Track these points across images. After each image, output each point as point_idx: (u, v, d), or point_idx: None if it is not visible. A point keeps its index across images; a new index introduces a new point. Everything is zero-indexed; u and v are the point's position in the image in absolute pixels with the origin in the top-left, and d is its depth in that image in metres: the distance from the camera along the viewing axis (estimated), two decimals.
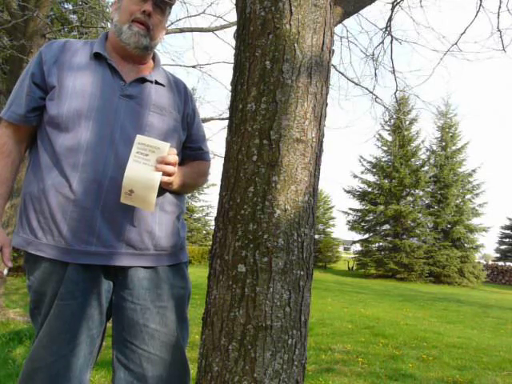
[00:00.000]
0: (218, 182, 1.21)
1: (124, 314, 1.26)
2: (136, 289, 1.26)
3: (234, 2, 1.30)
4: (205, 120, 5.86)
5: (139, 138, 1.19)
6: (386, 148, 23.05)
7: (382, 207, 22.26)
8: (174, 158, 1.25)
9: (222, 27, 5.45)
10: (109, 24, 5.73)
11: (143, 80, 1.33)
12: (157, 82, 1.36)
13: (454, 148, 23.11)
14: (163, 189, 1.26)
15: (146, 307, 1.26)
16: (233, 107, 1.18)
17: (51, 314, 1.20)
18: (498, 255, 33.34)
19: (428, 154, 23.31)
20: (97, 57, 1.30)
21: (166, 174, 1.23)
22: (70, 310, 1.19)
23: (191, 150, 1.47)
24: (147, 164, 1.19)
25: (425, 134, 27.64)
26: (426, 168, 22.56)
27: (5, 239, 1.25)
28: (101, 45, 1.33)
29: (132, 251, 1.25)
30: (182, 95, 1.44)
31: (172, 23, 5.54)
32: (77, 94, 1.23)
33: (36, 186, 1.23)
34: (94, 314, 1.23)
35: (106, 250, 1.21)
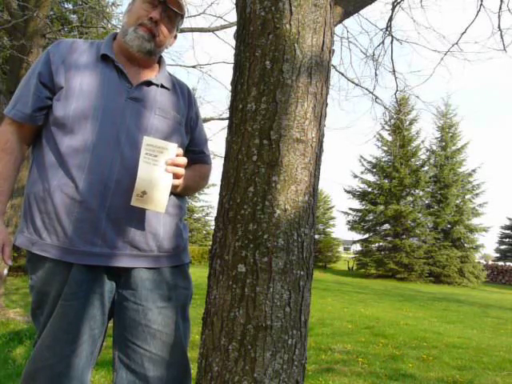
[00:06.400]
0: (218, 182, 1.21)
1: (126, 314, 1.26)
2: (138, 289, 1.26)
3: (234, 2, 1.30)
4: (205, 120, 5.87)
5: (147, 140, 1.19)
6: (386, 148, 23.03)
7: (381, 207, 22.23)
8: (183, 160, 1.26)
9: (222, 27, 5.45)
10: (109, 24, 5.73)
11: (149, 83, 1.33)
12: (162, 86, 1.36)
13: (454, 148, 23.10)
14: None
15: (148, 308, 1.26)
16: (233, 107, 1.18)
17: (54, 315, 1.20)
18: (498, 255, 33.36)
19: (428, 154, 23.30)
20: (104, 58, 1.30)
21: (175, 176, 1.23)
22: (74, 310, 1.19)
23: (193, 154, 1.47)
24: (157, 165, 1.19)
25: (425, 134, 27.71)
26: (426, 168, 22.55)
27: (7, 237, 1.24)
28: (108, 46, 1.33)
29: (136, 252, 1.25)
30: (186, 99, 1.45)
31: None
32: (83, 95, 1.23)
33: (41, 186, 1.22)
34: (96, 314, 1.23)
35: (111, 251, 1.21)
